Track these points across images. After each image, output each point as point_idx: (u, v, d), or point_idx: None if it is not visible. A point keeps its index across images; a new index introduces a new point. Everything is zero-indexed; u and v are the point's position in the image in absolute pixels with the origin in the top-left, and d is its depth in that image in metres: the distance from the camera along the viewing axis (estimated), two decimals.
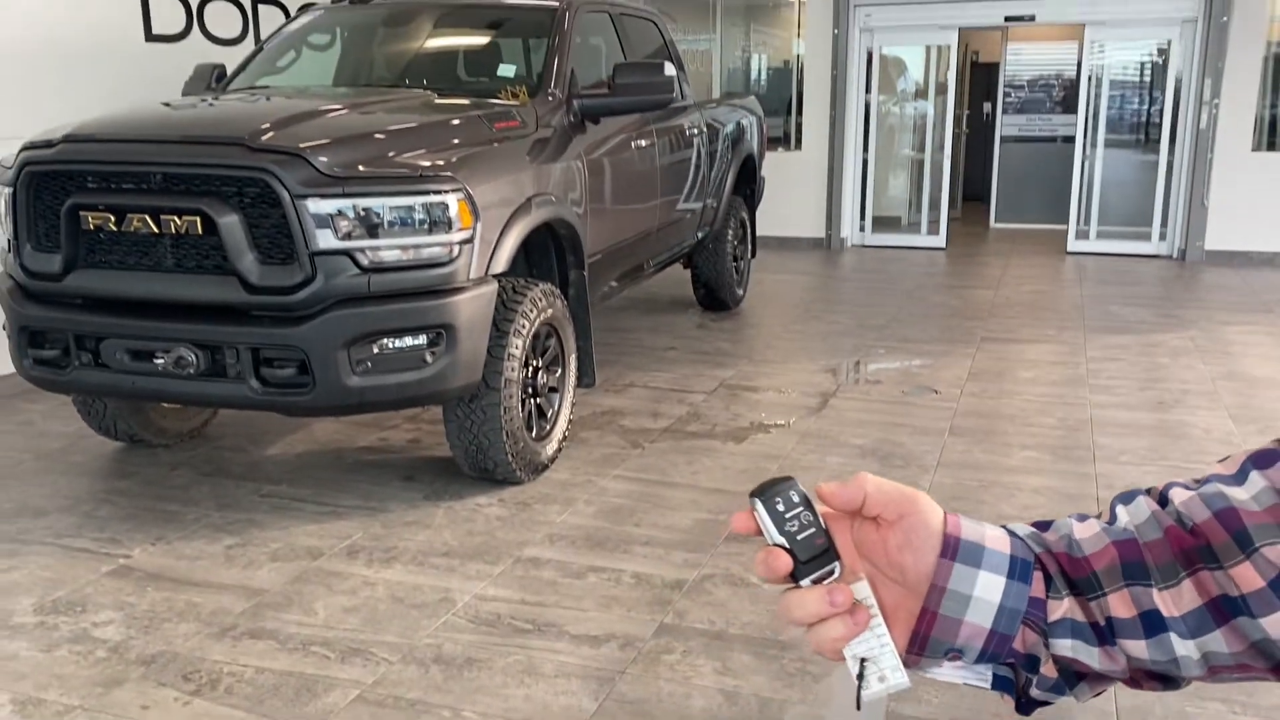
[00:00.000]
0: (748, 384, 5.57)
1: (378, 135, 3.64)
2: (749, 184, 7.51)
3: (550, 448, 4.24)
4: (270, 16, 7.09)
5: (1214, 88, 9.02)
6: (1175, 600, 0.70)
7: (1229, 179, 9.13)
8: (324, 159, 3.35)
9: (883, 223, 10.63)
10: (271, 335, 3.40)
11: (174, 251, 3.46)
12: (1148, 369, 5.80)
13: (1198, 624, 0.70)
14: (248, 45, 6.90)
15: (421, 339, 3.51)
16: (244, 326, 3.43)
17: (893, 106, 10.53)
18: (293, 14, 7.30)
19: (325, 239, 3.34)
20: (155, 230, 3.41)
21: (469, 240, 3.56)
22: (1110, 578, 0.72)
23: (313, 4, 5.76)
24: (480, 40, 5.11)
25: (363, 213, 3.37)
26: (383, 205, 3.38)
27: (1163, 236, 9.68)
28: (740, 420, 4.95)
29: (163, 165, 3.39)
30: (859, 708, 0.73)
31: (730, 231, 7.06)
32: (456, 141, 3.77)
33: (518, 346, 3.86)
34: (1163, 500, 0.74)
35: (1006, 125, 11.97)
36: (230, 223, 3.34)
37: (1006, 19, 9.71)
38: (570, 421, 4.47)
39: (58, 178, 3.53)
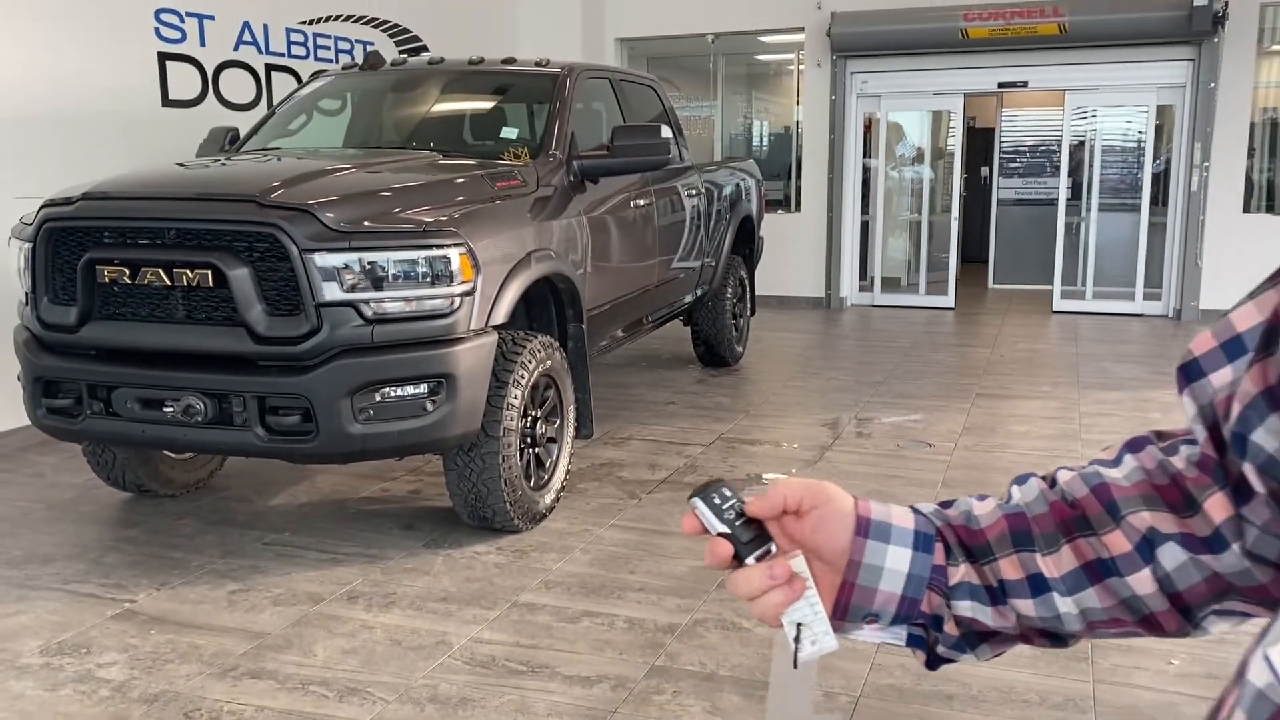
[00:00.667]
0: (745, 437, 5.66)
1: (384, 193, 3.79)
2: (748, 244, 7.67)
3: (548, 497, 4.32)
4: (282, 82, 7.33)
5: (1204, 151, 9.22)
6: (1056, 564, 0.81)
7: (1222, 240, 9.28)
8: (331, 215, 3.50)
9: (885, 283, 10.79)
10: (277, 384, 3.52)
11: (185, 303, 3.59)
12: (1140, 424, 5.88)
13: (1075, 583, 0.80)
14: (260, 110, 7.12)
15: (422, 388, 3.62)
16: (251, 375, 3.55)
17: (891, 170, 10.75)
18: (304, 80, 7.56)
19: (331, 291, 3.47)
20: (168, 283, 3.54)
21: (470, 293, 3.69)
22: (1001, 545, 0.82)
23: (324, 71, 5.98)
24: (485, 104, 5.31)
25: (368, 266, 3.50)
26: (387, 259, 3.52)
27: (1157, 296, 9.81)
28: (737, 472, 5.03)
29: (176, 221, 3.54)
30: (795, 667, 0.83)
31: (729, 290, 7.20)
32: (460, 199, 3.92)
33: (516, 397, 3.97)
34: (1052, 482, 0.85)
35: (1003, 189, 12.19)
36: (240, 275, 3.47)
37: (1000, 85, 9.96)
38: (569, 472, 4.55)
39: (76, 234, 3.68)
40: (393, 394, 3.58)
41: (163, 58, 6.37)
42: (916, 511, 0.86)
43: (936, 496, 4.57)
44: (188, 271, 3.51)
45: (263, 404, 3.55)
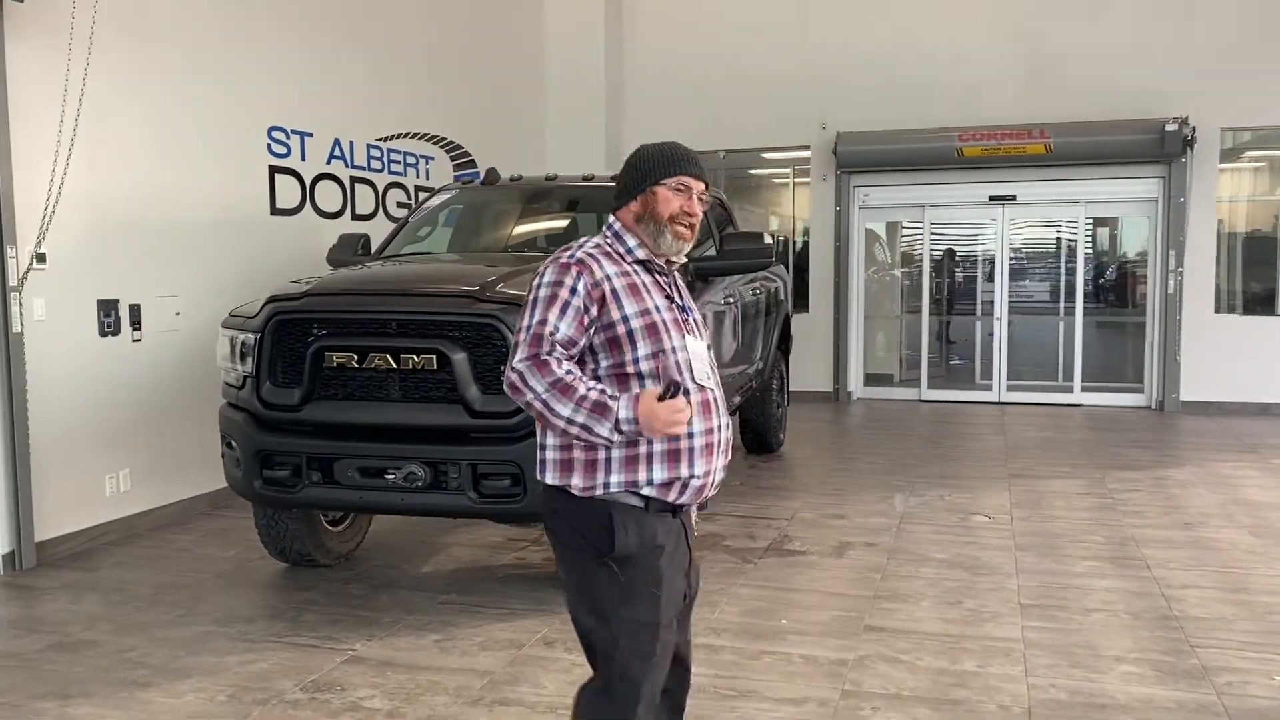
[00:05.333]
0: (820, 512, 6.24)
1: None
2: (785, 339, 8.37)
3: None
4: (363, 193, 7.96)
5: (1178, 258, 10.24)
6: None
7: (1196, 338, 10.23)
8: None
9: (883, 379, 11.57)
10: (491, 453, 4.05)
11: (403, 384, 4.13)
12: (1166, 498, 6.58)
13: None
14: (346, 218, 7.73)
15: None
16: (466, 446, 4.08)
17: (897, 273, 11.66)
18: (381, 190, 8.21)
19: None
20: (394, 366, 4.08)
21: None
22: None
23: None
24: (605, 213, 5.96)
25: None
26: None
27: (1140, 389, 10.70)
28: (829, 541, 5.60)
29: (404, 313, 4.10)
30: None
31: (775, 381, 7.85)
32: None
33: None
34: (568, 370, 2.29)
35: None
36: (461, 359, 4.03)
37: (991, 198, 10.96)
38: None
39: (303, 324, 4.22)
40: None
41: (273, 171, 6.97)
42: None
43: (1016, 558, 5.19)
44: (414, 356, 4.06)
45: (475, 470, 4.07)
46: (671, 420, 2.20)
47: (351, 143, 7.85)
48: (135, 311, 5.83)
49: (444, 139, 9.19)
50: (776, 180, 13.13)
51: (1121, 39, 10.25)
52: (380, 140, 8.24)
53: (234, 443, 4.42)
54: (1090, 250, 11.14)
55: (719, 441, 2.41)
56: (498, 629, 4.25)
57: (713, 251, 5.55)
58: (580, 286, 2.29)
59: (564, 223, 6.00)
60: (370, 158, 8.11)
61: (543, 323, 2.26)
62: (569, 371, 2.25)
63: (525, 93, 10.82)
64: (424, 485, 4.09)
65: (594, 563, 2.33)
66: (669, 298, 2.40)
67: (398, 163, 8.48)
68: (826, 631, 4.22)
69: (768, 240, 5.47)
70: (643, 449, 2.28)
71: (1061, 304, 11.13)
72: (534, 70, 11.03)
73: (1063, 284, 11.08)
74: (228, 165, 6.55)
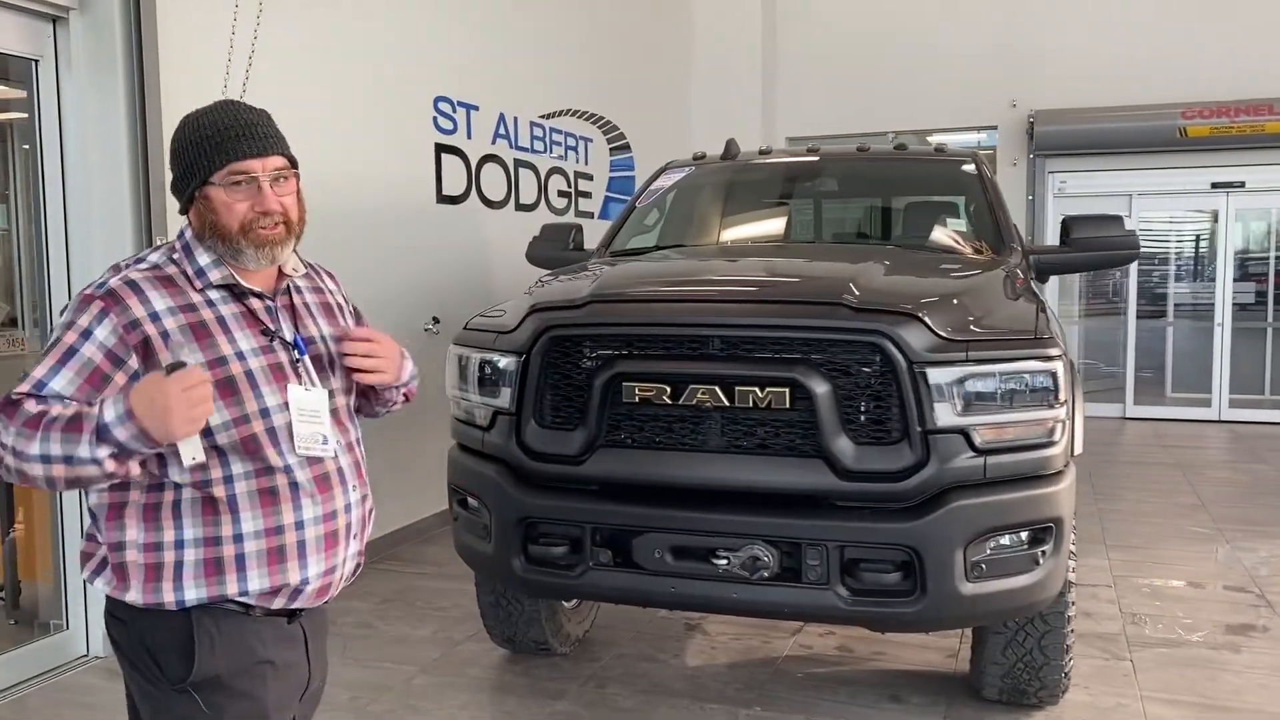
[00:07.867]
0: (1141, 574, 4.91)
1: (960, 296, 3.11)
2: None
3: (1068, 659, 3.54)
4: (526, 179, 6.77)
5: None
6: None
7: None
8: (936, 322, 2.82)
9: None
10: (870, 531, 2.78)
11: (735, 428, 2.88)
12: None
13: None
14: (510, 208, 6.54)
15: (1025, 535, 2.89)
16: (831, 520, 2.81)
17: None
18: (542, 177, 7.01)
19: (944, 414, 2.77)
20: (722, 403, 2.83)
21: (1067, 415, 2.99)
22: None
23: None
24: (899, 194, 4.67)
25: (982, 383, 2.81)
26: (1001, 374, 2.83)
27: None
28: (1197, 621, 4.27)
29: (744, 327, 2.85)
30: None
31: None
32: (1018, 303, 3.25)
33: (1073, 542, 3.23)
34: None
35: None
36: (824, 393, 2.77)
37: (1214, 185, 9.49)
38: None
39: (589, 343, 2.99)
40: (1001, 544, 2.85)
41: (439, 149, 5.79)
42: None
43: None
44: (756, 390, 2.80)
45: (844, 555, 2.81)
46: (194, 398, 1.50)
47: (516, 119, 6.65)
48: None
49: (601, 118, 7.97)
50: None
51: None
52: (543, 117, 7.04)
53: (478, 503, 3.19)
54: None
55: (348, 524, 1.80)
56: None
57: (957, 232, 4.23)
58: (100, 331, 1.61)
59: (872, 203, 4.74)
60: (534, 137, 6.91)
61: (32, 377, 1.59)
62: (45, 409, 1.56)
63: (672, 68, 9.57)
64: (770, 575, 2.83)
65: (169, 689, 1.67)
66: (269, 333, 1.74)
67: (559, 144, 7.27)
68: None
69: (1130, 226, 4.15)
70: (227, 549, 1.65)
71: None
72: (682, 43, 9.78)
73: None
74: (392, 142, 5.38)
